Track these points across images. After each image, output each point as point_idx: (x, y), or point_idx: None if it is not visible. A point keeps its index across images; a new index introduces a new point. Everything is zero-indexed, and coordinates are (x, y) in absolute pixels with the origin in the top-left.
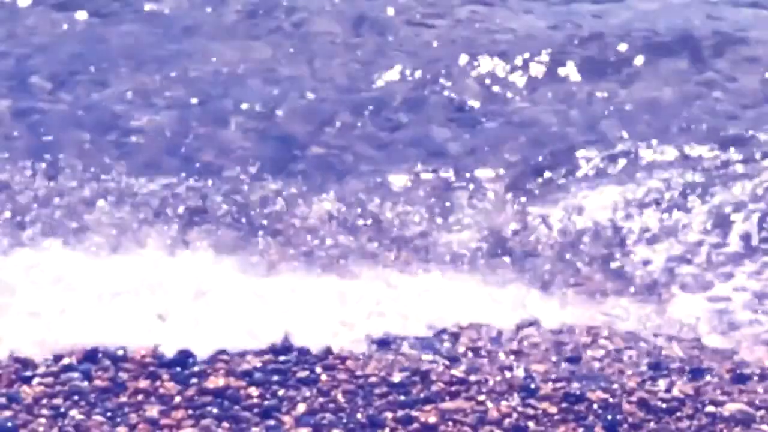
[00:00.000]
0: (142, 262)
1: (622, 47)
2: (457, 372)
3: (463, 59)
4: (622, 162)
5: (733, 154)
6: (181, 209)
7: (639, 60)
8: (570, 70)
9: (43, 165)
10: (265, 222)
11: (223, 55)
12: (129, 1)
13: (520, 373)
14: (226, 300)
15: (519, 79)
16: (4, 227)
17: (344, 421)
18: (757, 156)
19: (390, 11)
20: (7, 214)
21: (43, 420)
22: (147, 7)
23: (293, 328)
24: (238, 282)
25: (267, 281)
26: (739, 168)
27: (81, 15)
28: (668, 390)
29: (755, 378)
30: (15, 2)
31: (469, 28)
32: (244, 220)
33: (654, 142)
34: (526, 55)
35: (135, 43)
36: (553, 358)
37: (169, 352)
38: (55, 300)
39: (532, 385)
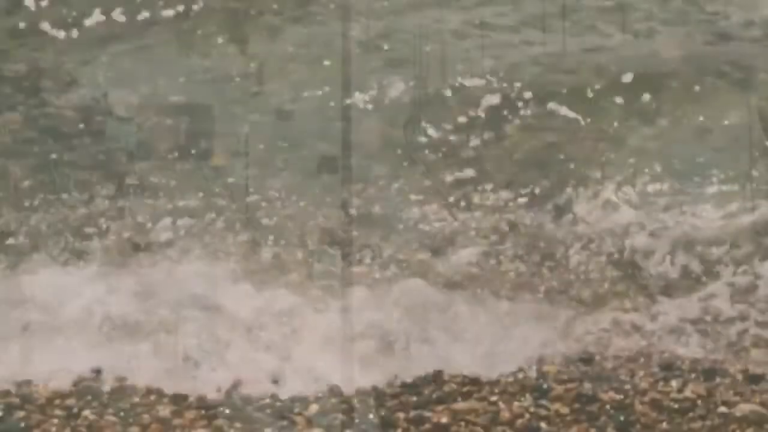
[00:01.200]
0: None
1: (632, 76)
2: (469, 372)
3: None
4: (630, 186)
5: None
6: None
7: (648, 92)
8: (580, 99)
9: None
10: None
11: (231, 56)
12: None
13: (532, 373)
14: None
15: (533, 101)
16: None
17: (357, 421)
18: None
19: (398, 21)
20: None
21: (56, 420)
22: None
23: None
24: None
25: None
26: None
27: (90, 22)
28: (681, 390)
29: None
30: (25, 7)
31: (478, 47)
32: (256, 226)
33: (657, 169)
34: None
35: (143, 46)
36: (566, 359)
37: None
38: None
39: (545, 386)
